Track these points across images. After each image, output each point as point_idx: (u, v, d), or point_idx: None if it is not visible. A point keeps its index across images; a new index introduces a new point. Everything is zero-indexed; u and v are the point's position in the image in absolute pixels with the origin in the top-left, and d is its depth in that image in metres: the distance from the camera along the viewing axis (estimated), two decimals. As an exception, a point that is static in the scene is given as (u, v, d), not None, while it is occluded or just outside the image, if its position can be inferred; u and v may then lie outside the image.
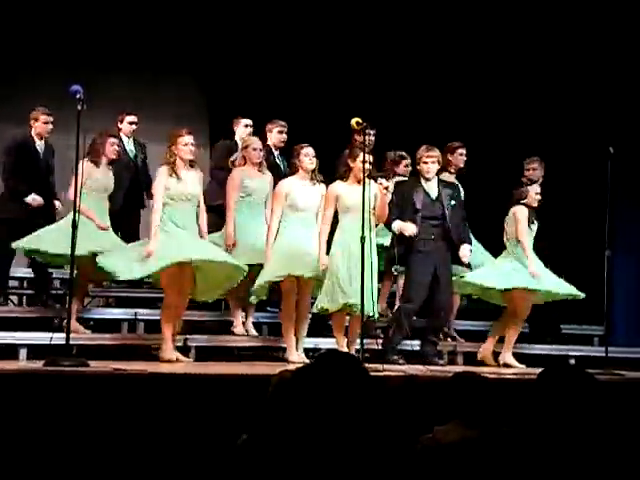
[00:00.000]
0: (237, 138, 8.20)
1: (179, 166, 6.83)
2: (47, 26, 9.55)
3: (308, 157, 7.17)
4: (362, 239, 6.50)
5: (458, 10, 9.72)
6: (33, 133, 7.60)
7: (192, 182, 6.89)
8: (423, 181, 7.41)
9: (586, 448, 2.97)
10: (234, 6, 9.91)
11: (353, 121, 6.73)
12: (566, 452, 2.96)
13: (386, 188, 6.85)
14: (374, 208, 6.84)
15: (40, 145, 7.63)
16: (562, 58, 9.44)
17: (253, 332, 7.67)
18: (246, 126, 8.24)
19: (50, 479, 4.68)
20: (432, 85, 9.86)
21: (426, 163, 7.36)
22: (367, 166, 6.73)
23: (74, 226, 6.37)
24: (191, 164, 6.92)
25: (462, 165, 8.12)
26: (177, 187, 6.80)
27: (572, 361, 8.05)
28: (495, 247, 7.96)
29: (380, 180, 6.96)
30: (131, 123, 8.23)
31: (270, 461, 2.68)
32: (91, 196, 7.15)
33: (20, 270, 8.04)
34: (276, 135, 8.07)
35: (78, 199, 6.36)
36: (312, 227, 7.14)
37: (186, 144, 6.86)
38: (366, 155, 6.78)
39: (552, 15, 9.43)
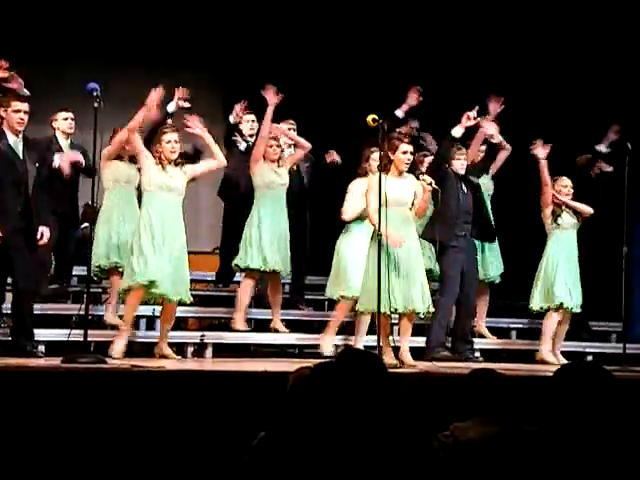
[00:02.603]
0: (244, 133, 8.21)
1: (165, 165, 6.66)
2: (64, 24, 9.59)
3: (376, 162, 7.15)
4: (379, 236, 6.48)
5: (480, 4, 9.71)
6: (57, 133, 7.64)
7: (177, 176, 6.70)
8: (456, 178, 7.52)
9: (603, 445, 2.96)
10: (250, 1, 9.91)
11: (369, 118, 6.70)
12: (583, 449, 2.95)
13: (430, 184, 6.77)
14: (413, 204, 6.78)
15: (65, 144, 7.65)
16: (580, 52, 9.40)
17: (284, 329, 7.67)
18: (247, 121, 8.23)
19: (69, 476, 4.71)
20: (449, 79, 9.84)
21: (459, 160, 7.52)
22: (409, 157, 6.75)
23: (93, 220, 6.43)
24: (176, 163, 6.71)
25: (478, 159, 8.11)
26: (161, 176, 6.65)
27: (589, 358, 8.04)
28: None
29: (423, 177, 6.90)
30: None
31: (288, 458, 2.69)
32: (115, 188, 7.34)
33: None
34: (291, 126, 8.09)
35: (96, 195, 6.42)
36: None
37: (169, 141, 6.67)
38: (409, 146, 6.78)
39: (568, 11, 9.39)
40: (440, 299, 7.46)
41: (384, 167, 6.73)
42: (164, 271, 6.55)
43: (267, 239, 7.49)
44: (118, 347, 6.57)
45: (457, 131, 7.46)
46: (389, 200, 6.62)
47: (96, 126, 6.33)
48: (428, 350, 7.17)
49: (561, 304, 7.59)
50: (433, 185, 6.76)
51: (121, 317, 7.03)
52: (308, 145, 7.81)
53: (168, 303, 6.71)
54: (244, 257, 7.53)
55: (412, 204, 6.76)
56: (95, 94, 6.32)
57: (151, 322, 7.52)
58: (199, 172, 6.89)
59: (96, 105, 6.31)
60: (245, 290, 7.61)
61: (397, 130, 7.36)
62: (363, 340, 7.01)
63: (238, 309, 7.58)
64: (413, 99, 7.84)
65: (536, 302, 7.68)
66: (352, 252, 7.29)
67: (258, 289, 8.04)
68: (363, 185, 7.19)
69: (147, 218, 6.63)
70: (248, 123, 8.23)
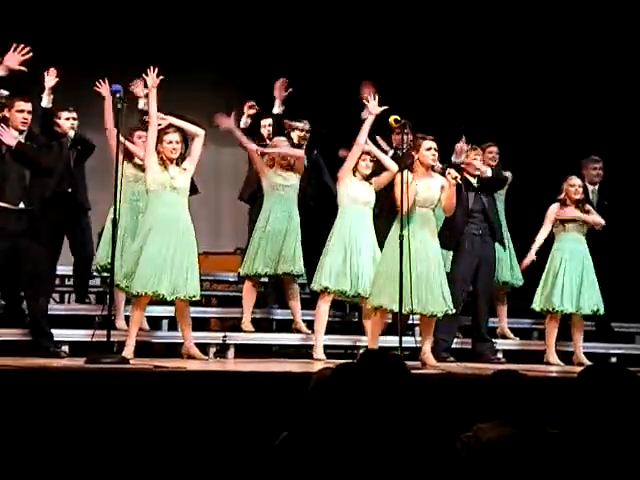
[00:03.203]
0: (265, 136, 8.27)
1: (167, 165, 6.65)
2: (83, 27, 9.63)
3: (365, 162, 7.24)
4: (401, 237, 6.48)
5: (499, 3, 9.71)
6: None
7: (179, 176, 6.66)
8: (469, 177, 7.51)
9: (627, 447, 2.94)
10: (267, 7, 9.92)
11: (391, 119, 6.71)
12: (606, 451, 2.93)
13: (455, 178, 6.75)
14: (439, 200, 6.79)
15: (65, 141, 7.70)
16: (612, 52, 9.37)
17: (305, 330, 7.68)
18: (263, 126, 8.27)
19: (92, 474, 4.73)
20: (470, 81, 9.83)
21: (475, 159, 7.55)
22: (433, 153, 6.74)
23: (114, 224, 6.45)
24: (177, 163, 6.68)
25: (494, 163, 8.13)
26: (164, 176, 6.63)
27: (613, 359, 8.01)
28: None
29: (449, 170, 6.89)
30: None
31: (310, 459, 2.69)
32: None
33: (61, 268, 8.10)
34: (296, 134, 8.10)
35: (118, 198, 6.43)
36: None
37: (170, 142, 6.66)
38: (432, 142, 6.76)
39: (591, 15, 9.38)
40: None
41: (409, 167, 6.74)
42: (161, 274, 6.55)
43: (265, 242, 7.53)
44: (126, 351, 6.57)
45: (456, 159, 7.61)
46: (417, 200, 6.66)
47: (119, 127, 6.36)
48: (435, 354, 7.11)
49: (557, 309, 7.54)
50: (458, 180, 6.76)
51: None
52: (300, 153, 7.75)
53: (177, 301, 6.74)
54: (243, 265, 7.65)
55: (439, 200, 6.80)
56: (118, 96, 6.35)
57: (173, 323, 7.55)
58: (195, 159, 6.77)
59: (119, 106, 6.34)
60: (246, 294, 7.69)
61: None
62: (377, 341, 7.00)
63: (244, 311, 7.65)
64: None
65: (536, 303, 7.65)
66: (337, 240, 7.26)
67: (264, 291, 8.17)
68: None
69: (149, 220, 6.64)
70: (265, 128, 8.26)
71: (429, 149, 6.74)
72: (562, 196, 7.63)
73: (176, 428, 4.94)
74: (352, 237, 7.21)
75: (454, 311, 6.84)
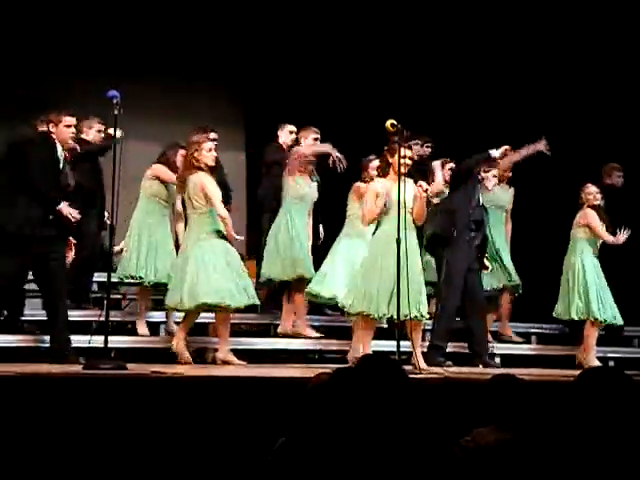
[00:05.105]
0: (281, 142, 8.26)
1: (207, 172, 6.76)
2: (81, 33, 9.63)
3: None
4: (398, 241, 6.48)
5: (502, 13, 9.73)
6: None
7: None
8: (478, 186, 7.62)
9: (625, 450, 2.94)
10: (266, 12, 9.95)
11: (388, 123, 6.71)
12: (604, 454, 2.93)
13: (425, 191, 6.79)
14: (412, 209, 6.82)
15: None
16: (618, 59, 9.41)
17: (311, 334, 7.71)
18: (290, 132, 8.28)
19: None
20: (473, 90, 9.85)
21: (495, 176, 7.73)
22: (407, 162, 6.74)
23: (112, 229, 6.44)
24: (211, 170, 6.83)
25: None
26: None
27: (611, 363, 8.01)
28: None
29: (420, 182, 6.91)
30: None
31: (308, 464, 2.69)
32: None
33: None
34: (311, 142, 8.08)
35: (115, 204, 6.43)
36: None
37: (210, 149, 6.79)
38: (407, 150, 6.77)
39: (597, 21, 9.41)
40: (443, 301, 7.52)
41: (383, 171, 6.86)
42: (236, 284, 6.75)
43: (275, 249, 7.65)
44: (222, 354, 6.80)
45: (496, 152, 7.58)
46: (392, 203, 6.70)
47: (115, 133, 6.35)
48: (429, 356, 7.10)
49: (607, 321, 7.65)
50: (428, 193, 6.83)
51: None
52: None
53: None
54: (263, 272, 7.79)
55: (411, 209, 6.82)
56: (115, 101, 6.35)
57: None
58: None
59: (116, 112, 6.33)
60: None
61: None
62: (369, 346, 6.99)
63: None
64: None
65: (575, 313, 7.71)
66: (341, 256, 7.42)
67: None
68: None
69: (210, 240, 6.74)
70: (291, 134, 8.26)
71: (403, 157, 6.76)
72: (588, 203, 7.73)
73: (174, 434, 4.93)
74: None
75: (427, 317, 6.85)
